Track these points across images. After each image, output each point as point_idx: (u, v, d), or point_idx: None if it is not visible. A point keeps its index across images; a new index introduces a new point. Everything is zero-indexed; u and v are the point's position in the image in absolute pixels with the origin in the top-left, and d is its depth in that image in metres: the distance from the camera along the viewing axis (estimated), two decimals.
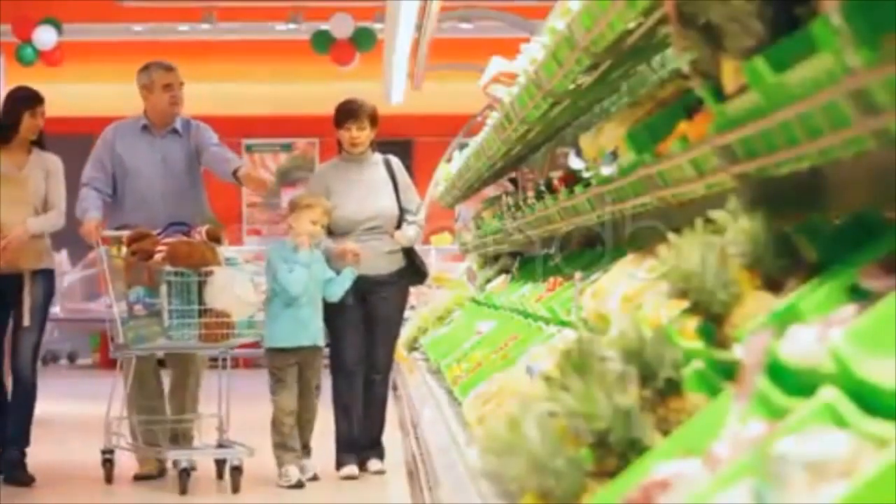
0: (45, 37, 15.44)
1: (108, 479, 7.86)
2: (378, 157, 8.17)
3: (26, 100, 8.07)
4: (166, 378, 8.25)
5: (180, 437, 8.06)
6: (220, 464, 7.89)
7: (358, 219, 7.90)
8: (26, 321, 8.02)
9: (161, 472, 7.98)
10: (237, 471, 7.52)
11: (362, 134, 8.00)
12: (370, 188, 8.03)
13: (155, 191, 8.14)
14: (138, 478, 7.93)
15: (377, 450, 8.05)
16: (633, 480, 2.21)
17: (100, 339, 18.92)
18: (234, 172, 7.98)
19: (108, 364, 17.25)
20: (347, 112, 8.01)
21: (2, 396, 8.09)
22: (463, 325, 8.86)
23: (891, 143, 2.07)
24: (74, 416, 10.98)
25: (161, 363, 8.31)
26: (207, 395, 8.22)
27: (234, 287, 7.65)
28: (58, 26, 15.43)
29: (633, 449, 2.33)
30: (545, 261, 7.41)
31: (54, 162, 8.17)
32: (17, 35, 15.43)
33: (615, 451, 2.35)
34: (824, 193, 2.97)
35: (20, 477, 7.88)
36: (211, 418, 7.99)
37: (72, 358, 19.20)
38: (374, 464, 7.97)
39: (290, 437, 7.64)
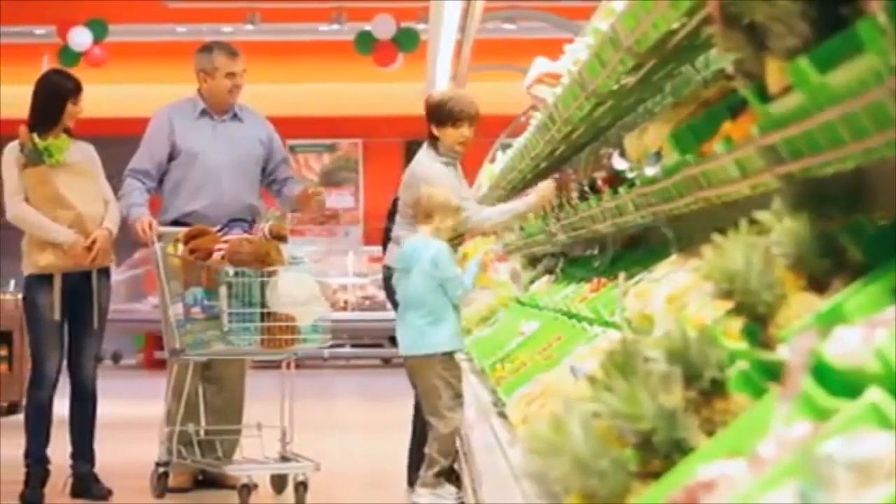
0: (79, 38, 15.53)
1: (161, 493, 7.41)
2: None
3: (70, 91, 7.58)
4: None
5: (221, 452, 7.61)
6: (278, 479, 7.44)
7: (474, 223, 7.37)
8: (95, 324, 7.62)
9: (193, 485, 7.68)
10: (303, 486, 7.04)
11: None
12: (464, 190, 7.56)
13: (220, 175, 7.76)
14: (172, 490, 7.48)
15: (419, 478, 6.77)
16: (678, 481, 2.21)
17: (145, 339, 19.05)
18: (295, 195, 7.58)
19: (153, 365, 17.40)
20: (467, 111, 7.27)
21: (50, 399, 7.57)
22: (507, 325, 8.84)
23: None
24: (123, 418, 10.81)
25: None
26: (257, 399, 7.88)
27: (300, 288, 7.10)
28: (102, 27, 15.54)
29: (677, 450, 2.33)
30: (589, 261, 7.39)
31: (91, 150, 7.73)
32: (59, 36, 15.57)
33: (660, 452, 2.35)
34: (869, 194, 2.96)
35: (97, 492, 7.50)
36: (270, 428, 7.52)
37: (116, 358, 19.33)
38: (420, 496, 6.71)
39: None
